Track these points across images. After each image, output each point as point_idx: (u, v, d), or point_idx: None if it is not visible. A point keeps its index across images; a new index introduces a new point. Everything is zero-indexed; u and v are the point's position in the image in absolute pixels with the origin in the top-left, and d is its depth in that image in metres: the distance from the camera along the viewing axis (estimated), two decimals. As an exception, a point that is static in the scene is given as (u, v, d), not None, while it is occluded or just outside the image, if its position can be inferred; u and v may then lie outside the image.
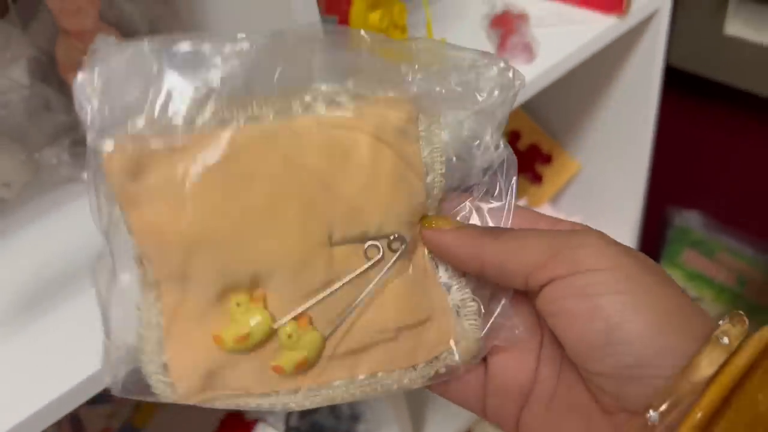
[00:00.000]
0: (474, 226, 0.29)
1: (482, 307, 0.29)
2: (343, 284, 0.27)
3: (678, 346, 0.23)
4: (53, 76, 0.52)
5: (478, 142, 0.29)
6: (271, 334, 0.27)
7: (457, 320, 0.29)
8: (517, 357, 0.29)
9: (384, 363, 0.28)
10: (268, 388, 0.28)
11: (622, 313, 0.23)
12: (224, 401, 0.28)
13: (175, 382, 0.28)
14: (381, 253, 0.28)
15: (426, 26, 0.62)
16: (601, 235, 0.26)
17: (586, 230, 0.27)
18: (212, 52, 0.25)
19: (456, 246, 0.27)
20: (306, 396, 0.28)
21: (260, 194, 0.26)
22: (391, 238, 0.28)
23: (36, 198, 0.54)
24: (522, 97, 0.58)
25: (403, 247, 0.28)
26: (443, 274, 0.29)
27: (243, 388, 0.28)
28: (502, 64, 0.28)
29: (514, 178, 0.29)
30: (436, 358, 0.29)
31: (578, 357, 0.25)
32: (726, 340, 0.22)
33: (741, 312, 0.24)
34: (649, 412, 0.22)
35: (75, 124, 0.53)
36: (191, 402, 0.28)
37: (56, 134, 0.53)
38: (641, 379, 0.23)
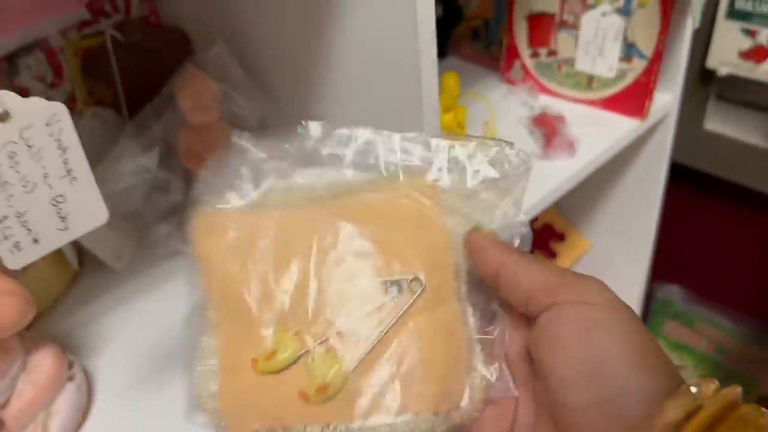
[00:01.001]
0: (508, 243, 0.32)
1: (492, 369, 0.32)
2: (364, 316, 0.31)
3: (654, 386, 0.25)
4: (172, 163, 0.58)
5: (498, 211, 0.33)
6: (299, 358, 0.31)
7: (474, 375, 0.31)
8: (496, 412, 0.31)
9: (410, 405, 0.30)
10: (298, 419, 0.30)
11: (611, 347, 0.25)
12: None
13: (222, 409, 0.31)
14: (399, 292, 0.31)
15: (484, 125, 0.71)
16: (603, 282, 0.29)
17: (591, 276, 0.29)
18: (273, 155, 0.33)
19: (485, 247, 0.31)
20: None
21: (301, 257, 0.32)
22: (410, 279, 0.31)
23: (146, 269, 0.60)
24: (565, 188, 0.67)
25: (420, 289, 0.31)
26: (472, 328, 0.32)
27: (279, 418, 0.30)
28: (514, 148, 0.34)
29: (529, 244, 0.33)
30: (457, 408, 0.31)
31: (562, 387, 0.26)
32: (695, 389, 0.24)
33: (714, 379, 0.25)
34: None
35: (188, 204, 0.59)
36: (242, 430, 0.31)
37: (169, 213, 0.59)
38: (615, 416, 0.25)
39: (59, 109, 0.32)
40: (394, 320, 0.31)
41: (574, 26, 0.74)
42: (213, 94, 0.56)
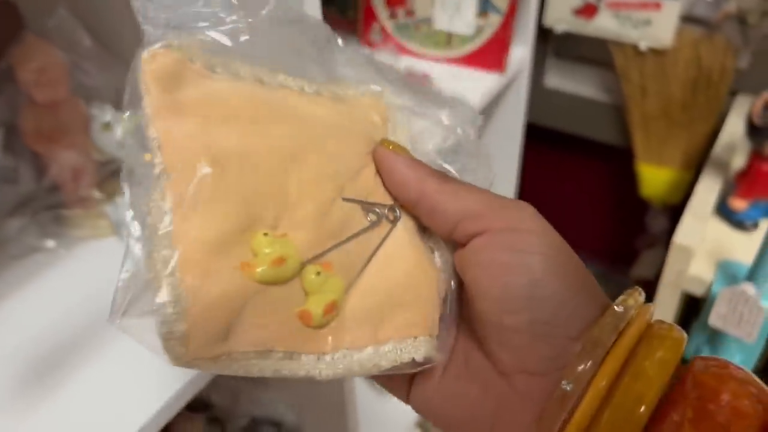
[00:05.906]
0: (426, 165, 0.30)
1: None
2: (355, 237, 0.28)
3: (586, 310, 0.26)
4: (18, 147, 0.51)
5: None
6: (298, 272, 0.26)
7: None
8: None
9: (403, 329, 0.28)
10: (291, 344, 0.26)
11: (545, 272, 0.26)
12: (241, 362, 0.25)
13: (189, 333, 0.23)
14: (380, 219, 0.29)
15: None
16: (532, 207, 0.28)
17: (520, 201, 0.29)
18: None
19: (403, 170, 0.29)
20: (328, 365, 0.27)
21: (287, 136, 0.27)
22: (387, 208, 0.29)
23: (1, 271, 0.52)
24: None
25: (398, 216, 0.29)
26: (438, 259, 0.30)
27: (264, 342, 0.25)
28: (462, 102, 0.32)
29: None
30: (430, 336, 0.29)
31: (495, 309, 0.26)
32: (622, 308, 0.25)
33: (638, 287, 0.27)
34: (563, 383, 0.24)
35: (41, 194, 0.52)
36: (206, 356, 0.24)
37: (20, 205, 0.52)
38: (549, 338, 0.25)
39: None
40: (377, 247, 0.29)
41: (430, -15, 0.75)
42: (59, 66, 0.50)
